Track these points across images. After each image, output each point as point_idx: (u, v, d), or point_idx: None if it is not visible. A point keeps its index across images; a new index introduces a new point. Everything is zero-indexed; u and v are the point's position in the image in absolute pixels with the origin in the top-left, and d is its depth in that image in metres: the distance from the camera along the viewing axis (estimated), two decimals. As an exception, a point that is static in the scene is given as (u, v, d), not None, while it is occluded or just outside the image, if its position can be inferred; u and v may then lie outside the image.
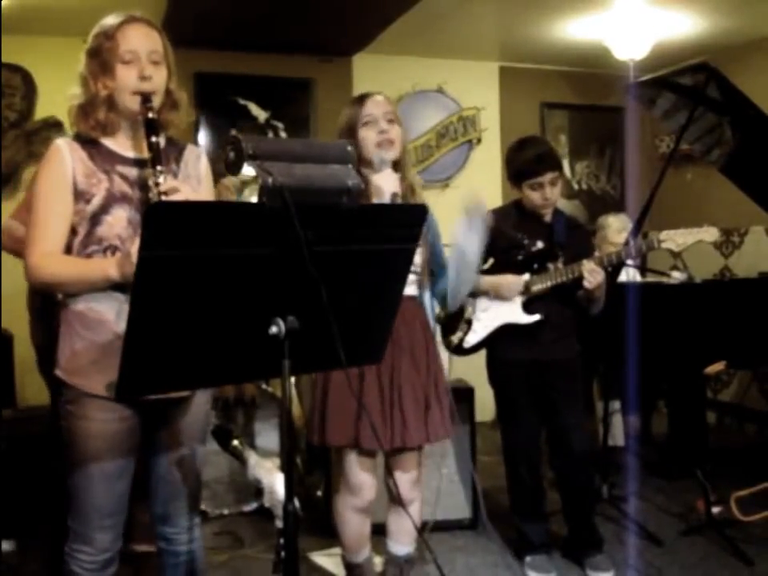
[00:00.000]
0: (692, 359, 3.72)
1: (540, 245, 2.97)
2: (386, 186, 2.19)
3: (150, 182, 1.81)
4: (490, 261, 3.12)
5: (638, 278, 4.38)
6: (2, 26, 3.59)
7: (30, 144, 4.62)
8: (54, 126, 4.51)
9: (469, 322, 3.06)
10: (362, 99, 2.37)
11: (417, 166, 5.51)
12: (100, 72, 1.86)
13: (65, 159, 1.85)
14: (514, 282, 2.96)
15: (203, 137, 5.11)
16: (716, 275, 5.49)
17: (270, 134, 5.19)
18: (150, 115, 1.84)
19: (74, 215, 1.85)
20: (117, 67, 1.84)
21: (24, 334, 3.40)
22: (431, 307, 2.47)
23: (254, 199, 1.42)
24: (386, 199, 2.17)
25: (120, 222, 1.85)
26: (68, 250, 1.87)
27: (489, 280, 2.99)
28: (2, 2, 3.67)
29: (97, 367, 1.83)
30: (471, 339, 3.03)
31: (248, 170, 1.39)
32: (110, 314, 1.84)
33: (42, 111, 4.70)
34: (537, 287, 2.94)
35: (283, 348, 1.41)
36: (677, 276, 4.09)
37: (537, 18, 4.78)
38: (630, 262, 3.30)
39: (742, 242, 5.41)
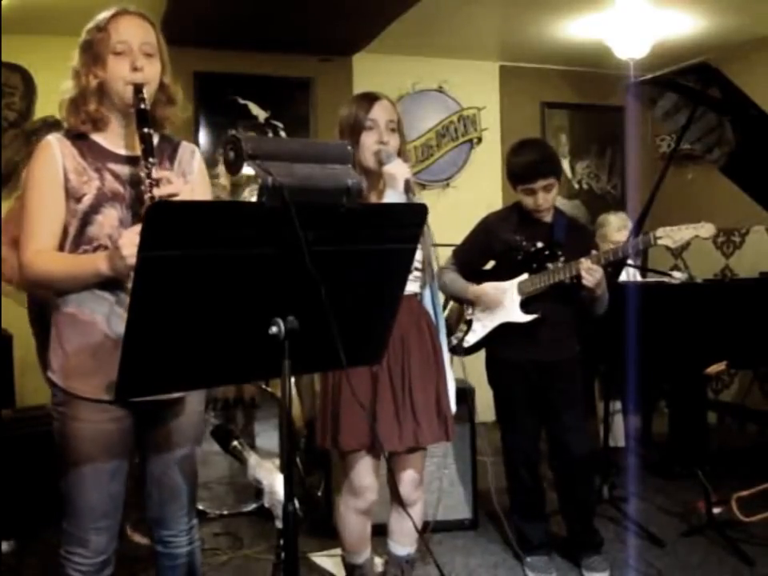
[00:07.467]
0: (693, 359, 3.72)
1: (539, 245, 2.97)
2: (398, 173, 2.22)
3: (142, 174, 1.77)
4: (491, 263, 3.13)
5: (639, 277, 4.38)
6: (1, 26, 3.59)
7: (30, 143, 4.60)
8: (53, 126, 4.46)
9: (468, 323, 3.06)
10: (369, 101, 2.34)
11: (417, 165, 5.50)
12: (92, 63, 1.84)
13: (55, 155, 1.82)
14: (493, 293, 2.95)
15: (203, 136, 5.10)
16: (717, 275, 5.50)
17: (270, 134, 5.19)
18: (142, 106, 1.80)
19: (66, 214, 1.82)
20: (108, 58, 1.83)
21: (24, 334, 3.40)
22: (436, 304, 2.45)
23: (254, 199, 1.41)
24: (400, 186, 2.20)
25: (111, 222, 1.82)
26: (60, 250, 1.84)
27: (472, 290, 2.99)
28: (2, 2, 3.66)
29: (88, 370, 1.81)
30: (471, 339, 3.04)
31: (248, 170, 1.39)
32: (100, 316, 1.82)
33: (41, 111, 4.69)
34: (533, 287, 2.94)
35: (283, 348, 1.41)
36: (678, 276, 4.09)
37: (537, 17, 4.78)
38: (630, 261, 3.29)
39: (743, 241, 5.40)
